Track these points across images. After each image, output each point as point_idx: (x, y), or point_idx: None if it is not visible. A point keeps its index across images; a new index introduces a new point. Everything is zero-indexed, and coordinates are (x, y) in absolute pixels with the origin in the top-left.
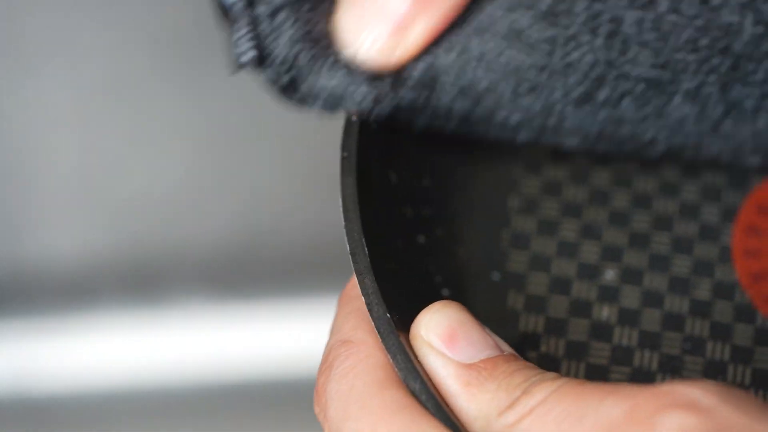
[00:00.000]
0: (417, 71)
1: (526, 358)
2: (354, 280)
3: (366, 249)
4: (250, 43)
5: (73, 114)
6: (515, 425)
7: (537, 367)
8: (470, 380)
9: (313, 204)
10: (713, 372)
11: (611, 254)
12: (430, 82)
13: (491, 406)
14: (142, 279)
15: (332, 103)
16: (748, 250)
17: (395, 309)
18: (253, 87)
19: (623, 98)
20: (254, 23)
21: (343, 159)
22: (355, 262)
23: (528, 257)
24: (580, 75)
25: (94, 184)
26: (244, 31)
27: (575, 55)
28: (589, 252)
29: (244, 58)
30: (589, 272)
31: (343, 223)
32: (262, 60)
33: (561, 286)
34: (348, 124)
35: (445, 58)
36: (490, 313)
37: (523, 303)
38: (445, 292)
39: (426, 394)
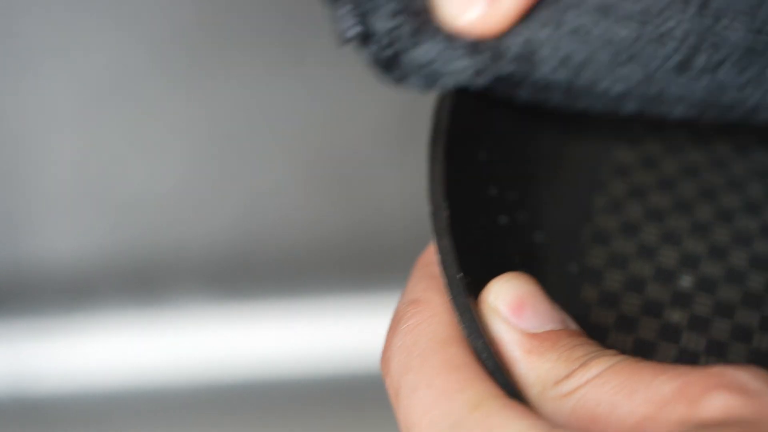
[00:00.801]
0: (515, 45)
1: None
2: (428, 252)
3: (447, 211)
4: (355, 19)
5: (73, 114)
6: (570, 395)
7: (598, 344)
8: (532, 348)
9: (313, 204)
10: None
11: (688, 261)
12: (528, 55)
13: (549, 375)
14: (142, 279)
15: (433, 77)
16: None
17: (469, 272)
18: (253, 87)
19: (722, 64)
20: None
21: (435, 123)
22: (434, 220)
23: (607, 254)
24: (676, 43)
25: (94, 184)
26: (348, 6)
27: (669, 24)
28: (667, 257)
29: (350, 33)
30: (665, 276)
31: (427, 182)
32: (366, 35)
33: (636, 285)
34: (444, 94)
35: (542, 31)
36: (561, 302)
37: (597, 297)
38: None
39: (486, 352)
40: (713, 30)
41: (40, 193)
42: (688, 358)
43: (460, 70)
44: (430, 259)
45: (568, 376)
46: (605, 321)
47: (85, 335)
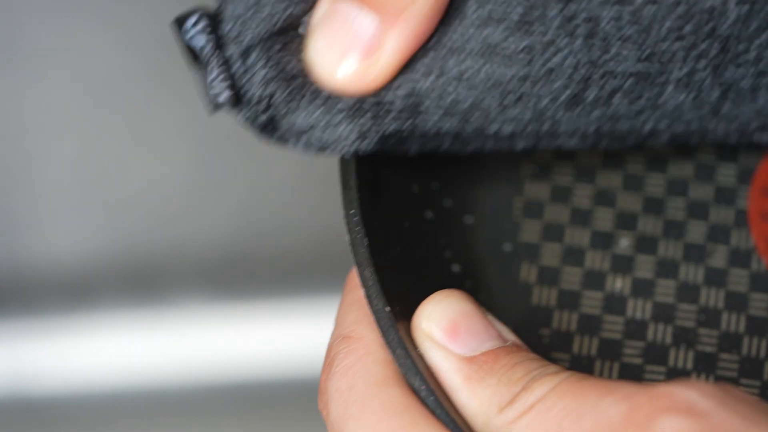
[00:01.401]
0: (398, 99)
1: (539, 336)
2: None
3: (366, 239)
4: (225, 83)
5: (73, 114)
6: (515, 422)
7: (539, 358)
8: (471, 374)
9: (313, 204)
10: (728, 345)
11: (625, 221)
12: (413, 108)
13: (492, 402)
14: (141, 279)
15: (315, 144)
16: (764, 213)
17: (398, 298)
18: None
19: (614, 95)
20: (226, 64)
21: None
22: (354, 253)
23: (541, 226)
24: (565, 79)
25: (94, 184)
26: (216, 72)
27: (556, 60)
28: (603, 219)
29: (221, 99)
30: (603, 241)
31: (343, 211)
32: (238, 100)
33: (574, 256)
34: None
35: (424, 81)
36: (502, 286)
37: (536, 275)
38: (456, 267)
39: (426, 390)
40: (602, 61)
41: (40, 193)
42: (635, 328)
43: (343, 136)
44: (357, 281)
45: (511, 402)
46: (548, 301)
47: (85, 335)
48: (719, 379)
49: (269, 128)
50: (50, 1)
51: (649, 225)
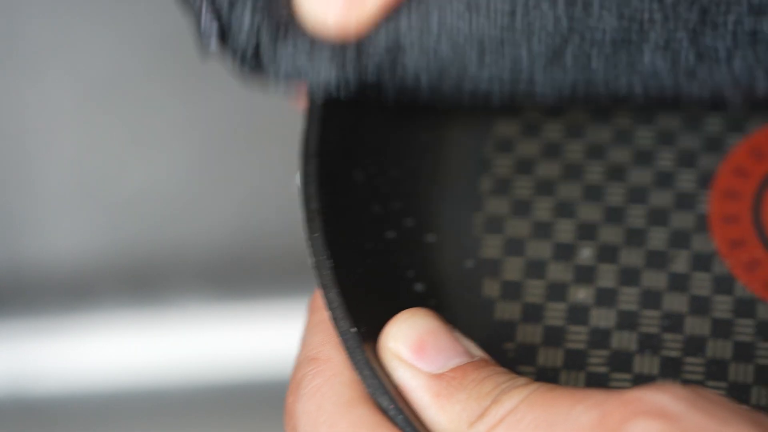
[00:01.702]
0: (379, 41)
1: (503, 350)
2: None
3: (330, 261)
4: (211, 15)
5: (73, 114)
6: None
7: (507, 371)
8: (439, 391)
9: None
10: (693, 348)
11: (586, 231)
12: (392, 52)
13: (462, 417)
14: (141, 279)
15: (296, 77)
16: (725, 216)
17: (363, 319)
18: (254, 87)
19: (591, 57)
20: (214, 3)
21: (304, 166)
22: (318, 276)
23: (502, 241)
24: (545, 38)
25: (94, 184)
26: (205, 10)
27: (538, 17)
28: (564, 231)
29: (208, 33)
30: (565, 252)
31: (305, 235)
32: (224, 32)
33: (536, 269)
34: (308, 125)
35: (407, 27)
36: (466, 303)
37: (499, 290)
38: (419, 287)
39: (394, 409)
40: (581, 23)
41: (40, 193)
42: (599, 337)
43: (324, 69)
44: (321, 301)
45: (481, 416)
46: (511, 315)
47: (85, 335)
48: (685, 383)
49: (254, 64)
50: (50, 1)
51: (610, 234)
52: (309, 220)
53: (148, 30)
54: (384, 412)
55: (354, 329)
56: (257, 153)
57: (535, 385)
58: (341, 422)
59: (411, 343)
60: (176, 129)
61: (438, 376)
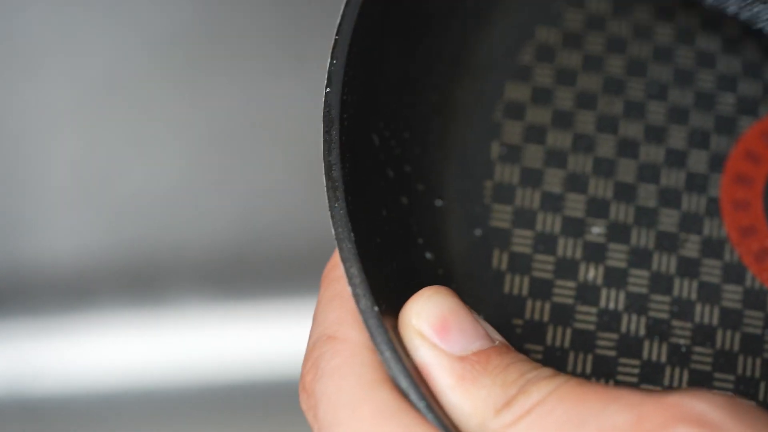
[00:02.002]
0: None
1: (512, 326)
2: (334, 259)
3: (352, 234)
4: None
5: (73, 114)
6: (513, 425)
7: (530, 360)
8: (464, 374)
9: (313, 204)
10: (701, 337)
11: (597, 208)
12: None
13: (487, 404)
14: (141, 279)
15: None
16: (736, 202)
17: (383, 295)
18: (253, 87)
19: None
20: None
21: (326, 133)
22: (341, 249)
23: (512, 211)
24: None
25: (94, 184)
26: None
27: None
28: (575, 206)
29: None
30: (575, 228)
31: (329, 206)
32: None
33: (546, 243)
34: (329, 91)
35: None
36: (474, 274)
37: (508, 263)
38: (429, 255)
39: (416, 393)
40: None
41: (39, 193)
42: (608, 319)
43: None
44: (335, 274)
45: (507, 404)
46: (520, 289)
47: (85, 335)
48: (693, 372)
49: None
50: (50, 1)
51: (621, 212)
52: (331, 188)
53: (148, 30)
54: (404, 395)
55: (376, 308)
56: (257, 153)
57: (564, 378)
58: (363, 406)
59: (434, 321)
60: (176, 129)
61: (461, 359)
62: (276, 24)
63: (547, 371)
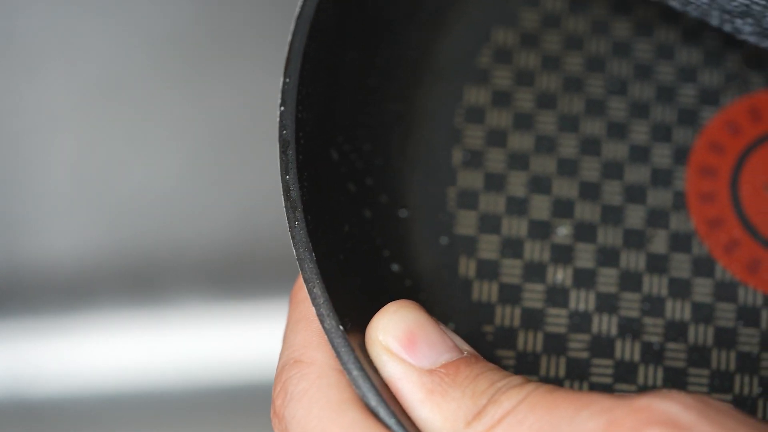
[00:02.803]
0: None
1: (482, 333)
2: (300, 280)
3: (313, 254)
4: None
5: (73, 114)
6: None
7: (499, 368)
8: (433, 388)
9: None
10: (674, 333)
11: (562, 209)
12: None
13: (458, 416)
14: (141, 279)
15: None
16: (702, 194)
17: (348, 312)
18: (252, 87)
19: None
20: None
21: (282, 153)
22: (303, 270)
23: (477, 217)
24: None
25: (94, 184)
26: None
27: None
28: (540, 207)
29: None
30: (541, 230)
31: (288, 227)
32: None
33: (513, 248)
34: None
35: None
36: (442, 282)
37: (475, 269)
38: (395, 266)
39: (385, 410)
40: None
41: (39, 193)
42: (579, 321)
43: None
44: (302, 295)
45: (478, 415)
46: (489, 296)
47: (85, 335)
48: (667, 369)
49: None
50: (50, 1)
51: (586, 211)
52: (290, 209)
53: (147, 30)
54: (373, 413)
55: (341, 327)
56: (257, 153)
57: (534, 385)
58: (332, 427)
59: (401, 336)
60: (176, 129)
61: (430, 372)
62: (275, 24)
63: (517, 379)
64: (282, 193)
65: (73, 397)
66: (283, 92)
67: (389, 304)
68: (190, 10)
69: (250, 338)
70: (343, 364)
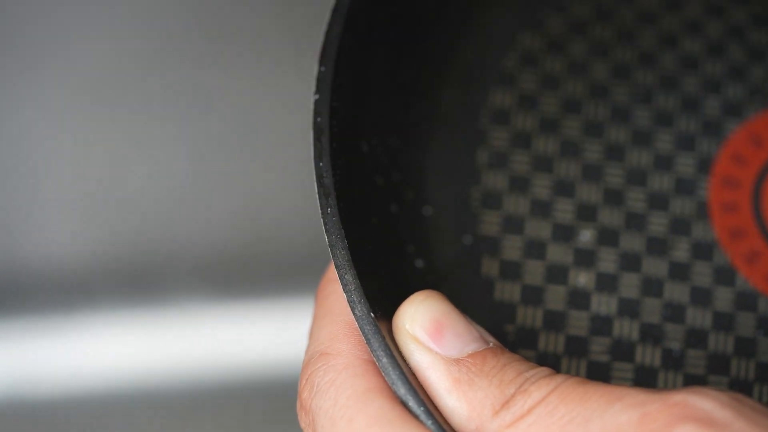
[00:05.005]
0: None
1: (504, 332)
2: (329, 273)
3: (345, 241)
4: None
5: (73, 114)
6: (513, 425)
7: (525, 360)
8: (460, 377)
9: (312, 204)
10: (694, 340)
11: (586, 213)
12: None
13: (485, 405)
14: (141, 279)
15: None
16: (725, 205)
17: (377, 301)
18: (253, 87)
19: None
20: None
21: (315, 140)
22: (335, 256)
23: (500, 218)
24: None
25: (94, 184)
26: None
27: None
28: (564, 211)
29: None
30: (564, 234)
31: (321, 213)
32: None
33: (536, 249)
34: (318, 97)
35: None
36: (464, 280)
37: (498, 270)
38: (419, 262)
39: (414, 399)
40: None
41: (39, 193)
42: (600, 325)
43: None
44: (329, 289)
45: (506, 404)
46: (511, 296)
47: (84, 335)
48: (687, 376)
49: None
50: (50, 1)
51: (610, 217)
52: (323, 195)
53: (147, 30)
54: (402, 402)
55: (372, 314)
56: (257, 153)
57: (563, 377)
58: (359, 416)
59: (428, 325)
60: (176, 129)
61: (457, 362)
62: (276, 24)
63: (545, 370)
64: (315, 179)
65: (73, 397)
66: (318, 80)
67: (416, 294)
68: (191, 9)
69: (249, 338)
70: (373, 351)
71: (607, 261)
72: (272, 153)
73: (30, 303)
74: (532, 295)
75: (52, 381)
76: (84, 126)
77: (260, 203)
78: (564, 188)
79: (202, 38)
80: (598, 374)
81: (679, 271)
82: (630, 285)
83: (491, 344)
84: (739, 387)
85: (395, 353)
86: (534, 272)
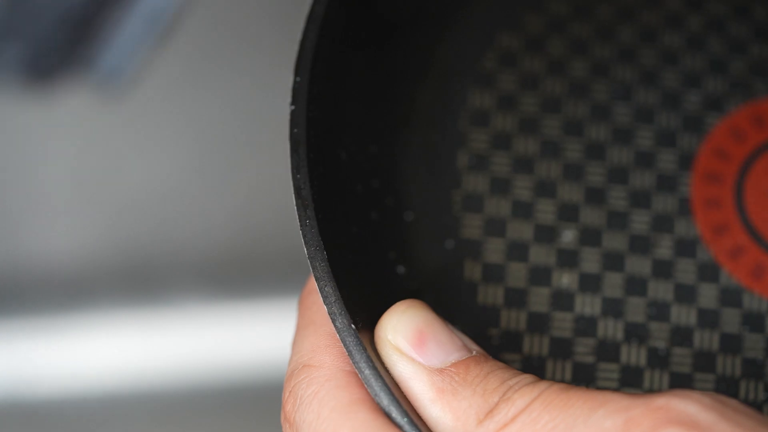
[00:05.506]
0: None
1: (489, 336)
2: (309, 285)
3: (324, 252)
4: None
5: (73, 114)
6: None
7: (509, 367)
8: (443, 387)
9: None
10: (680, 338)
11: (568, 213)
12: None
13: (469, 414)
14: (140, 279)
15: None
16: (707, 200)
17: (358, 312)
18: (253, 87)
19: None
20: None
21: (293, 151)
22: (314, 268)
23: (482, 221)
24: None
25: (93, 184)
26: None
27: None
28: (545, 212)
29: None
30: (547, 235)
31: (300, 226)
32: None
33: (518, 252)
34: (294, 109)
35: None
36: (447, 285)
37: (480, 273)
38: (401, 269)
39: (397, 410)
40: None
41: (39, 193)
42: (585, 325)
43: None
44: (310, 300)
45: (490, 413)
46: (494, 299)
47: (84, 335)
48: (673, 374)
49: None
50: None
51: (591, 216)
52: (301, 207)
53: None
54: (386, 413)
55: (353, 326)
56: (256, 153)
57: (546, 384)
58: (342, 429)
59: (410, 335)
60: (176, 129)
61: (440, 371)
62: (276, 23)
63: (528, 378)
64: (293, 191)
65: (73, 397)
66: (294, 91)
67: (397, 304)
68: (190, 10)
69: (248, 338)
70: (355, 363)
71: (590, 261)
72: (271, 153)
73: (30, 303)
74: (516, 298)
75: (52, 380)
76: (84, 126)
77: (259, 204)
78: (545, 189)
79: (201, 38)
80: (584, 375)
81: (663, 269)
82: (613, 284)
83: (474, 353)
84: (726, 384)
85: (377, 364)
86: (517, 275)
